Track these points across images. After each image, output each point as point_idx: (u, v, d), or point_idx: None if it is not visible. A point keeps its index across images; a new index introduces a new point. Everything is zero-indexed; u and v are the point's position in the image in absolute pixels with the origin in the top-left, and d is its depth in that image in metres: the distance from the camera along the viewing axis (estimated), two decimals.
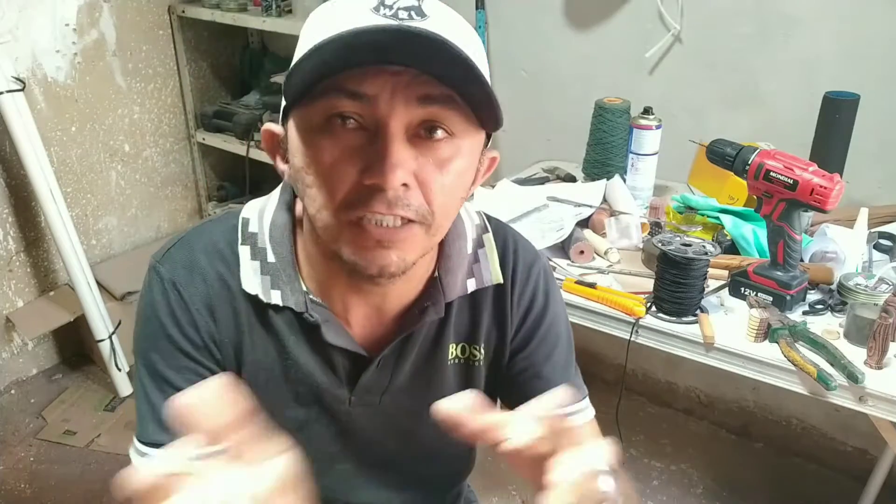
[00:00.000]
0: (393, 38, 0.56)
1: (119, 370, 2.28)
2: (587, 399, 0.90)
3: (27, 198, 2.27)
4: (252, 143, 2.49)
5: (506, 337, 0.84)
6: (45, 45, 2.21)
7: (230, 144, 2.57)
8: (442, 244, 0.77)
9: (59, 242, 2.15)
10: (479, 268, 0.81)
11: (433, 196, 0.64)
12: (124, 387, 2.31)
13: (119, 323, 2.29)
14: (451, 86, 0.60)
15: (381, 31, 0.56)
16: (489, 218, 0.86)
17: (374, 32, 0.56)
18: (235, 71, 2.79)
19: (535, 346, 0.85)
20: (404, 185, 0.61)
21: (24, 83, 2.05)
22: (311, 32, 0.63)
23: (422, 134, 0.62)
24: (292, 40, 2.96)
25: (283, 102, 0.66)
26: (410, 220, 0.63)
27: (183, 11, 2.47)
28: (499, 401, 0.90)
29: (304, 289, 0.74)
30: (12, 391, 2.37)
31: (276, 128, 0.70)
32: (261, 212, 0.77)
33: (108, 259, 2.53)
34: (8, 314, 2.31)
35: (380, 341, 0.78)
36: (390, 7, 0.60)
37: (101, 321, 2.23)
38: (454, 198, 0.67)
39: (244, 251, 0.75)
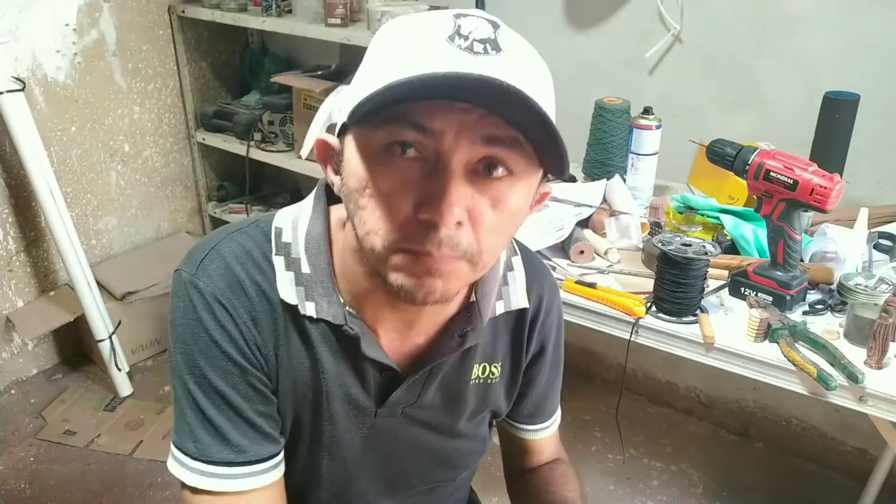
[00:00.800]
0: (472, 84, 0.55)
1: (119, 370, 2.28)
2: (559, 409, 1.00)
3: (27, 198, 2.27)
4: (252, 142, 2.49)
5: (521, 360, 0.87)
6: (45, 45, 2.21)
7: (230, 144, 2.57)
8: None
9: (59, 242, 2.15)
10: (508, 290, 0.82)
11: (483, 235, 0.63)
12: (124, 387, 2.32)
13: (119, 323, 2.29)
14: (518, 128, 0.59)
15: (461, 78, 0.55)
16: (516, 240, 0.86)
17: (452, 78, 0.55)
18: (235, 71, 2.79)
19: (547, 373, 0.92)
20: (458, 222, 0.60)
21: (24, 83, 2.05)
22: (384, 55, 0.62)
23: (480, 171, 0.61)
24: (292, 40, 2.96)
25: (342, 119, 0.65)
26: (457, 257, 0.63)
27: (183, 11, 2.47)
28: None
29: (342, 301, 0.74)
30: (12, 391, 2.37)
31: (332, 140, 0.69)
32: (294, 221, 0.76)
33: (108, 259, 2.53)
34: (8, 314, 2.31)
35: (409, 356, 0.79)
36: (466, 38, 0.58)
37: (101, 321, 2.23)
38: (504, 236, 0.67)
39: (279, 262, 0.74)
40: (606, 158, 1.75)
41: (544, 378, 0.92)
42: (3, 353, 2.36)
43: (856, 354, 1.16)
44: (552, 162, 0.63)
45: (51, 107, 2.26)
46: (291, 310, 0.73)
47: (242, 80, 2.78)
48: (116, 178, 2.52)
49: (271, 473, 0.76)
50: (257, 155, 2.48)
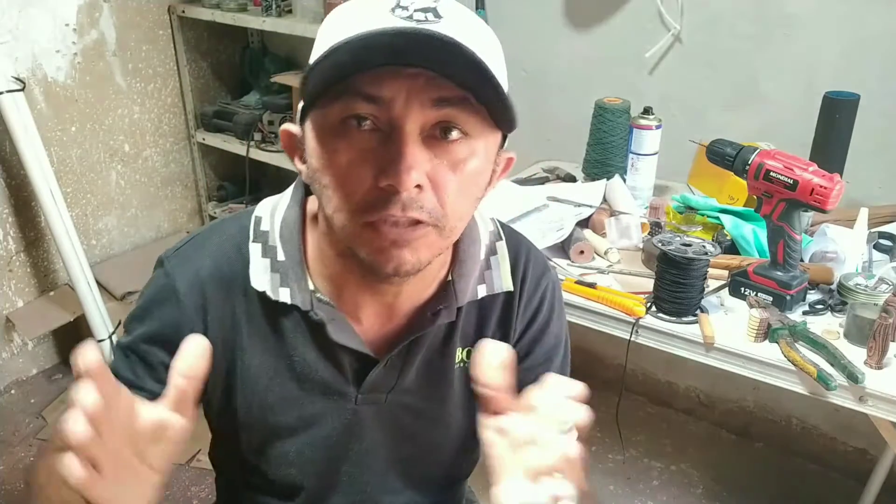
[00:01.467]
0: (408, 40, 0.56)
1: None
2: None
3: (27, 198, 2.27)
4: (252, 142, 2.49)
5: (508, 343, 0.84)
6: (45, 45, 2.21)
7: (230, 144, 2.57)
8: (457, 248, 0.78)
9: (59, 242, 2.15)
10: (491, 274, 0.82)
11: (446, 197, 0.64)
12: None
13: (119, 323, 2.29)
14: (466, 88, 0.61)
15: (397, 34, 0.56)
16: (503, 225, 0.86)
17: (389, 35, 0.56)
18: (235, 71, 2.79)
19: (534, 359, 0.87)
20: (418, 186, 0.62)
21: (24, 83, 2.05)
22: (329, 32, 0.64)
23: (437, 135, 0.63)
24: (292, 40, 2.96)
25: (301, 103, 0.67)
26: (422, 222, 0.64)
27: (183, 11, 2.47)
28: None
29: (312, 287, 0.75)
30: (12, 391, 2.37)
31: (294, 128, 0.71)
32: (273, 209, 0.78)
33: (108, 259, 2.53)
34: (8, 314, 2.31)
35: (389, 340, 0.79)
36: (406, 8, 0.60)
37: (101, 321, 2.23)
38: (468, 199, 0.67)
39: (255, 248, 0.76)
40: (606, 158, 1.75)
41: (531, 363, 0.86)
42: (3, 353, 2.36)
43: (856, 354, 1.16)
44: (503, 118, 0.64)
45: (51, 107, 2.26)
46: (261, 299, 0.75)
47: (242, 80, 2.78)
48: (116, 178, 2.52)
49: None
50: (257, 155, 2.48)
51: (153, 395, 0.76)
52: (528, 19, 2.10)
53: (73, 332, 2.44)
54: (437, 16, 0.61)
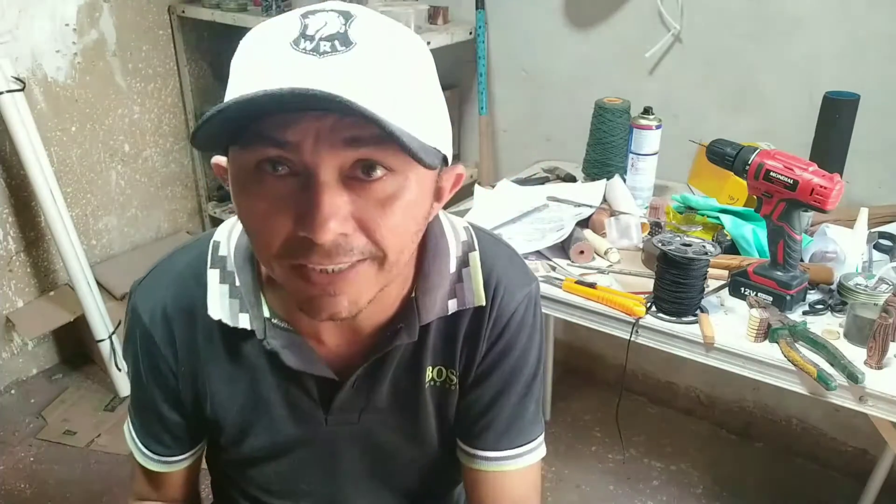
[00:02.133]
0: (295, 98, 0.51)
1: (119, 370, 2.28)
2: (539, 438, 0.84)
3: (27, 198, 2.27)
4: None
5: (474, 362, 0.79)
6: (45, 45, 2.21)
7: None
8: (420, 263, 0.74)
9: (59, 242, 2.15)
10: (463, 288, 0.76)
11: (379, 237, 0.59)
12: (124, 387, 2.31)
13: (119, 323, 2.28)
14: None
15: (280, 96, 0.51)
16: (480, 233, 0.81)
17: (275, 96, 0.51)
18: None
19: (496, 379, 0.80)
20: (343, 234, 0.57)
21: (24, 83, 2.05)
22: (235, 70, 0.59)
23: (358, 175, 0.57)
24: None
25: None
26: (359, 260, 0.59)
27: (183, 11, 2.47)
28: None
29: (267, 314, 0.73)
30: (12, 391, 2.37)
31: (223, 160, 0.65)
32: (229, 234, 0.76)
33: (108, 259, 2.53)
34: (8, 314, 2.31)
35: (354, 361, 0.76)
36: (311, 39, 0.55)
37: (101, 321, 2.23)
38: (405, 232, 0.61)
39: (213, 275, 0.74)
40: (606, 158, 1.75)
41: (489, 385, 0.80)
42: (3, 353, 2.36)
43: (856, 354, 1.16)
44: (421, 160, 0.56)
45: (51, 107, 2.26)
46: (221, 328, 0.74)
47: None
48: (116, 178, 2.52)
49: (158, 464, 0.84)
50: None
51: (165, 438, 0.83)
52: (528, 19, 2.10)
53: (73, 332, 2.44)
54: (347, 43, 0.55)
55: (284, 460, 0.82)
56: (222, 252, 0.75)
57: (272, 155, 0.56)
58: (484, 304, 0.76)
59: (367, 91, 0.54)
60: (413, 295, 0.74)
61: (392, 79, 0.56)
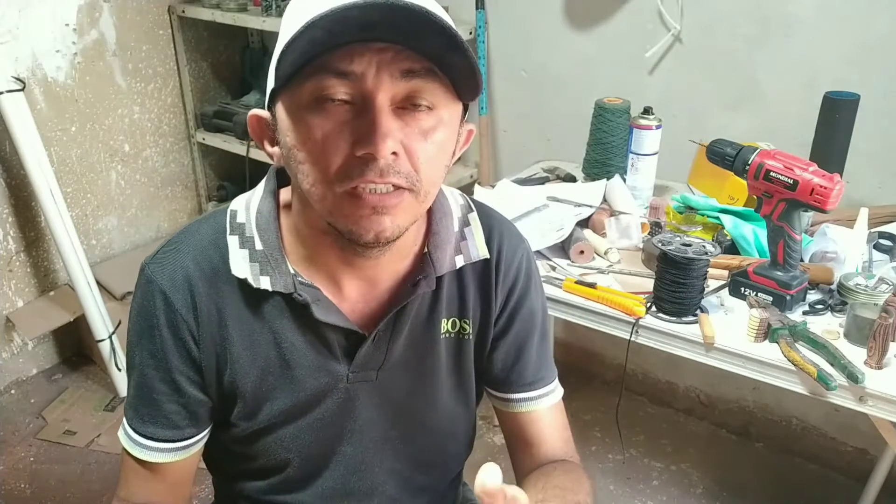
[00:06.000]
0: (379, 12, 0.59)
1: (119, 370, 2.28)
2: (556, 380, 0.95)
3: (27, 198, 2.27)
4: (252, 142, 2.49)
5: (490, 312, 0.87)
6: (45, 45, 2.21)
7: (230, 144, 2.57)
8: (430, 221, 0.82)
9: (59, 242, 2.15)
10: (467, 244, 0.84)
11: (419, 163, 0.68)
12: (124, 387, 2.31)
13: (119, 323, 2.29)
14: (431, 59, 0.65)
15: (367, 7, 0.58)
16: (472, 199, 0.89)
17: (359, 8, 0.58)
18: (235, 71, 2.79)
19: (518, 327, 0.89)
20: (394, 153, 0.65)
21: (24, 83, 2.05)
22: (297, 13, 0.65)
23: (406, 107, 0.67)
24: None
25: (271, 86, 0.69)
26: (400, 187, 0.67)
27: (183, 11, 2.47)
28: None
29: (292, 271, 0.77)
30: (12, 391, 2.37)
31: (263, 112, 0.73)
32: (247, 203, 0.81)
33: (108, 259, 2.53)
34: (8, 314, 2.32)
35: (374, 316, 0.81)
36: None
37: (101, 321, 2.23)
38: (439, 165, 0.71)
39: (233, 240, 0.78)
40: (606, 158, 1.76)
41: (514, 334, 0.89)
42: (3, 353, 2.36)
43: (856, 354, 1.16)
44: (468, 86, 0.68)
45: (51, 107, 2.26)
46: (245, 288, 0.77)
47: (242, 80, 2.78)
48: (116, 178, 2.52)
49: (166, 454, 0.83)
50: (257, 155, 2.48)
51: (176, 418, 0.81)
52: (528, 19, 2.11)
53: (73, 332, 2.44)
54: None
55: (301, 421, 0.83)
56: (240, 219, 0.79)
57: (334, 86, 0.64)
58: (489, 256, 0.85)
59: (439, 13, 0.61)
60: (426, 250, 0.81)
61: (443, 14, 0.64)
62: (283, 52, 0.62)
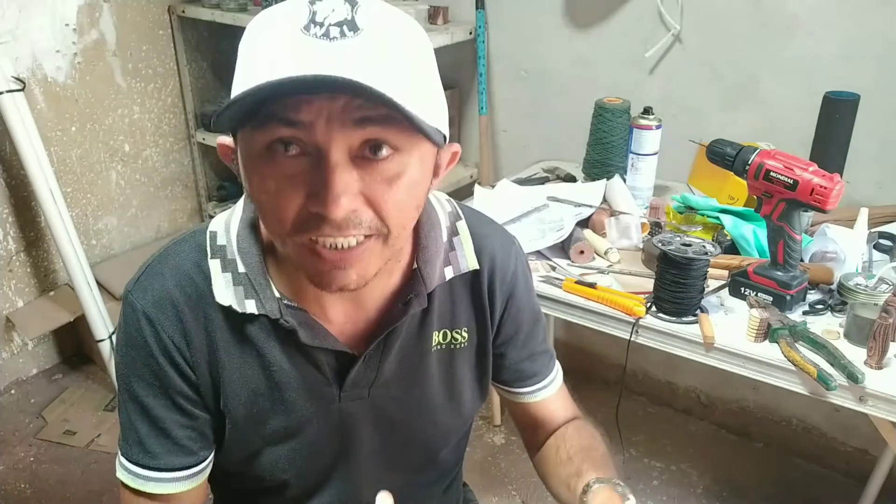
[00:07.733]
0: (312, 85, 0.56)
1: None
2: (555, 359, 0.98)
3: (27, 198, 2.27)
4: None
5: (488, 321, 0.86)
6: (45, 45, 2.21)
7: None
8: (417, 236, 0.79)
9: (59, 242, 2.15)
10: (456, 255, 0.82)
11: (385, 211, 0.63)
12: None
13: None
14: (388, 104, 0.58)
15: (297, 83, 0.55)
16: (460, 205, 0.87)
17: (292, 83, 0.55)
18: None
19: (525, 327, 0.91)
20: (353, 210, 0.61)
21: (24, 83, 2.05)
22: (245, 56, 0.63)
23: (366, 154, 0.61)
24: None
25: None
26: (366, 236, 0.63)
27: (183, 11, 2.47)
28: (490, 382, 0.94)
29: (278, 295, 0.75)
30: (12, 391, 2.37)
31: (229, 140, 0.69)
32: (227, 224, 0.78)
33: (108, 259, 2.53)
34: (8, 314, 2.31)
35: (363, 335, 0.79)
36: (321, 24, 0.58)
37: (101, 321, 2.23)
38: (408, 210, 0.66)
39: (214, 264, 0.75)
40: (606, 158, 1.76)
41: (521, 336, 0.91)
42: (3, 353, 2.36)
43: (856, 354, 1.16)
44: (428, 135, 0.61)
45: (51, 107, 2.26)
46: (229, 314, 0.75)
47: None
48: (116, 178, 2.52)
49: (184, 482, 0.79)
50: None
51: (189, 443, 0.79)
52: (528, 19, 2.11)
53: (73, 332, 2.44)
54: (355, 28, 0.59)
55: (295, 443, 0.82)
56: (220, 242, 0.76)
57: (285, 135, 0.60)
58: (478, 267, 0.83)
59: (378, 74, 0.57)
60: (415, 266, 0.78)
61: (398, 62, 0.60)
62: (219, 114, 0.59)
